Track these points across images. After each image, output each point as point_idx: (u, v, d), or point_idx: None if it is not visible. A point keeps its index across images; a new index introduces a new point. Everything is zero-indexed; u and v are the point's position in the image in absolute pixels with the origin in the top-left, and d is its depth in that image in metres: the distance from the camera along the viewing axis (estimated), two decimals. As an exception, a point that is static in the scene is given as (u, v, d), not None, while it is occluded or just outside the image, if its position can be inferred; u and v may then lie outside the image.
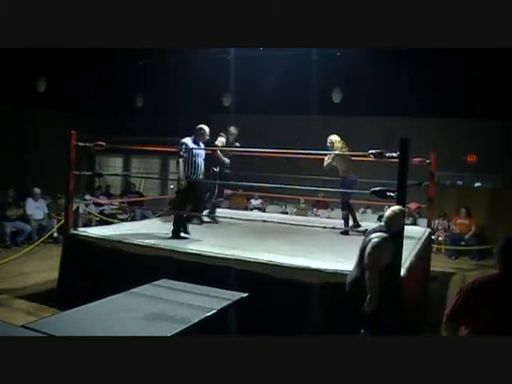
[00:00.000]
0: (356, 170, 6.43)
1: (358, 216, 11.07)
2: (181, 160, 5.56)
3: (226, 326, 3.50)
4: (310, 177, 6.55)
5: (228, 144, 6.92)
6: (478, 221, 9.63)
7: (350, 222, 6.52)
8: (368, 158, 4.77)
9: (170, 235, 5.49)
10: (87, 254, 5.32)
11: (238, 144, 7.04)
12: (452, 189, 10.46)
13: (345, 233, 6.26)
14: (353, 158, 6.34)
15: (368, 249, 3.50)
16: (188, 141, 5.67)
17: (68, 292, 5.22)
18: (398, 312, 3.59)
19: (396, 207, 3.75)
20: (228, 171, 7.07)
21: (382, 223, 3.79)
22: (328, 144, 6.39)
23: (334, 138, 6.42)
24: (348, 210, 6.52)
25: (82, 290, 4.79)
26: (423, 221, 8.74)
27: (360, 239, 3.79)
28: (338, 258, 4.71)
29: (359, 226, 6.42)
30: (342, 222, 6.53)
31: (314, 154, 5.57)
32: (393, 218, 3.64)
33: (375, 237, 3.55)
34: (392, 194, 4.24)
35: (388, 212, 3.72)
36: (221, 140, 6.93)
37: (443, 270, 7.91)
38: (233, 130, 7.01)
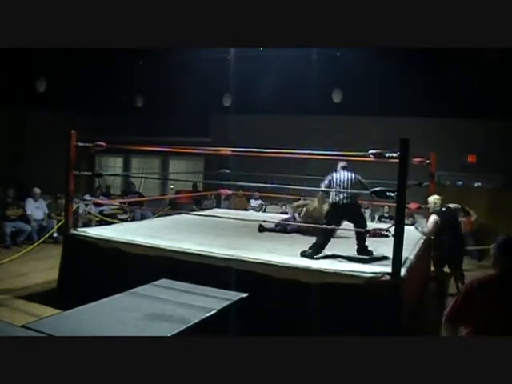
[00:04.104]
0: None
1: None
2: None
3: (226, 326, 3.50)
4: (311, 177, 6.53)
5: None
6: (478, 221, 9.61)
7: None
8: (368, 158, 4.76)
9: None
10: (87, 254, 5.32)
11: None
12: (452, 189, 10.44)
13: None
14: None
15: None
16: None
17: (68, 292, 5.21)
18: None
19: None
20: (228, 171, 7.04)
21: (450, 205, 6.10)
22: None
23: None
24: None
25: (82, 290, 4.79)
26: (423, 221, 8.71)
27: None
28: (338, 258, 4.71)
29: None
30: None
31: (314, 155, 5.56)
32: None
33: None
34: (392, 194, 4.24)
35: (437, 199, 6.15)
36: None
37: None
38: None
